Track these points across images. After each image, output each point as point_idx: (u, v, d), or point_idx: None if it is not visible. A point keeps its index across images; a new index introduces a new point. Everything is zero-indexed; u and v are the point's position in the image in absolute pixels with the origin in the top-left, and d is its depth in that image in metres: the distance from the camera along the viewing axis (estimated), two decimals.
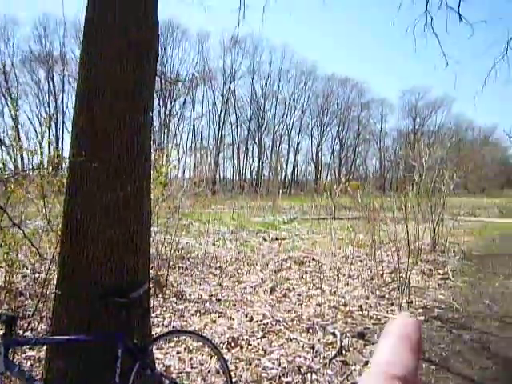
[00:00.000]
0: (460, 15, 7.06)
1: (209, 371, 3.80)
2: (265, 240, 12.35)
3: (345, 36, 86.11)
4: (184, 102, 53.80)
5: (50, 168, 5.54)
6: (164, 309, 5.60)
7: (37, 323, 4.64)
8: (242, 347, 4.42)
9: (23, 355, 3.82)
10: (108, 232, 2.77)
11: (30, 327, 4.51)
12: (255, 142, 58.65)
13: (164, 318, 5.22)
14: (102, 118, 2.84)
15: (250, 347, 4.43)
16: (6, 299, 4.88)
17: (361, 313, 5.65)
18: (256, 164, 58.26)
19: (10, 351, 2.18)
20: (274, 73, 58.46)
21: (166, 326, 5.00)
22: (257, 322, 5.14)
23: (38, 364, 3.82)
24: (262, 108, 58.65)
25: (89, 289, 2.73)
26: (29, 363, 3.78)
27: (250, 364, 4.03)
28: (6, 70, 42.60)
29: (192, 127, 55.10)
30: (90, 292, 2.72)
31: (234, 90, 56.84)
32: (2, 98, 41.39)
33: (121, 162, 2.83)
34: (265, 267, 8.40)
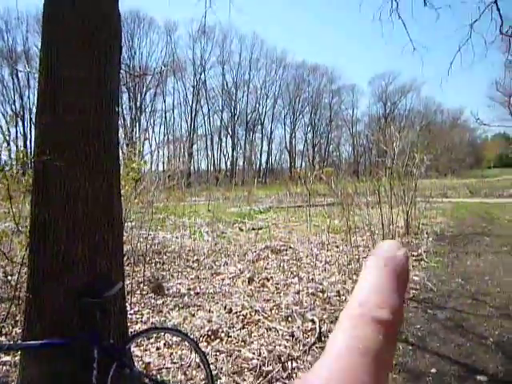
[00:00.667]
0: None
1: (189, 365, 3.79)
2: (241, 230, 12.34)
3: (313, 23, 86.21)
4: (154, 95, 53.08)
5: (17, 167, 5.40)
6: (142, 305, 5.55)
7: (11, 327, 4.53)
8: (221, 339, 4.42)
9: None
10: (78, 232, 2.71)
11: (3, 332, 4.41)
12: (228, 133, 58.39)
13: (142, 315, 5.18)
14: (65, 114, 2.76)
15: (229, 339, 4.44)
16: None
17: (338, 298, 5.71)
18: (230, 154, 58.08)
19: None
20: (245, 62, 58.20)
21: (145, 323, 4.96)
22: (236, 313, 5.14)
23: (14, 369, 3.74)
24: (233, 98, 58.37)
25: (61, 291, 2.67)
26: (4, 368, 3.69)
27: (231, 356, 4.03)
28: None
29: (164, 120, 54.47)
30: (62, 294, 2.67)
31: (205, 81, 56.36)
32: None
33: (88, 159, 2.76)
34: (242, 258, 8.40)
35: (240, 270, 7.40)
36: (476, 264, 7.69)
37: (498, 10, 7.69)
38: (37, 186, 2.83)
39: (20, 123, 45.17)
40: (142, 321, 4.99)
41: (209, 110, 56.75)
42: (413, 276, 6.91)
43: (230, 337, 4.48)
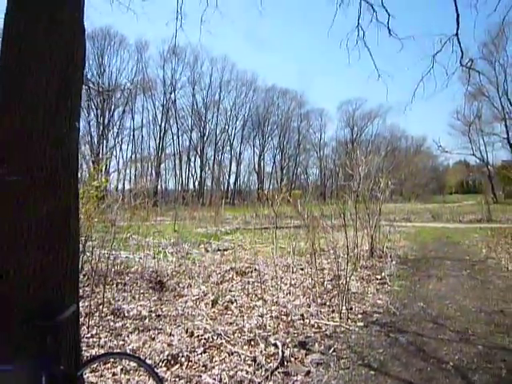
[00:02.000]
0: (389, 29, 7.38)
1: None
2: (207, 251, 12.21)
3: (284, 48, 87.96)
4: (123, 112, 52.65)
5: None
6: (100, 328, 5.34)
7: None
8: (181, 364, 4.29)
9: None
10: (30, 250, 2.58)
11: None
12: (197, 153, 58.32)
13: (100, 338, 4.98)
14: (22, 126, 2.65)
15: (190, 364, 4.31)
16: None
17: (302, 322, 5.67)
18: (198, 174, 57.93)
19: None
20: (215, 84, 58.75)
21: (102, 347, 4.76)
22: (197, 336, 5.01)
23: None
24: (203, 118, 58.55)
25: (8, 313, 2.52)
26: None
27: (190, 381, 3.92)
28: None
29: (132, 138, 53.96)
30: (10, 315, 2.51)
31: (175, 100, 56.41)
32: None
33: (43, 174, 2.65)
34: (207, 279, 8.27)
35: (204, 292, 7.27)
36: (438, 288, 7.81)
37: (459, 42, 8.04)
38: None
39: None
40: (99, 345, 4.79)
41: (178, 129, 56.71)
42: (376, 300, 6.95)
43: (191, 361, 4.36)
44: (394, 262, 10.39)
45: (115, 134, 51.91)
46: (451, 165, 73.30)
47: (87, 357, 4.01)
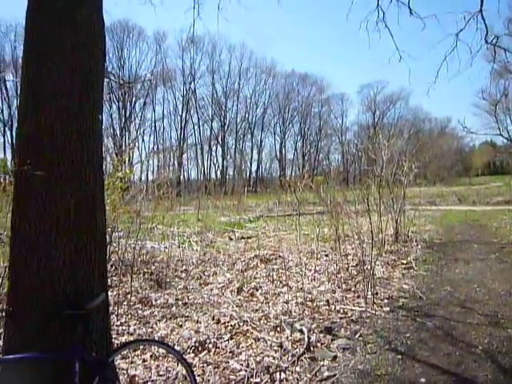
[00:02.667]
0: (410, 9, 7.20)
1: (175, 378, 3.72)
2: (231, 239, 12.29)
3: (302, 33, 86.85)
4: (144, 104, 53.10)
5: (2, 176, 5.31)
6: (129, 316, 5.46)
7: None
8: (209, 350, 4.36)
9: None
10: (59, 243, 2.64)
11: None
12: (218, 142, 58.47)
13: (129, 326, 5.09)
14: (47, 124, 2.70)
15: (217, 350, 4.37)
16: None
17: (328, 307, 5.68)
18: (220, 163, 58.13)
19: None
20: (234, 72, 58.58)
21: (131, 334, 4.87)
22: (224, 323, 5.08)
23: None
24: (223, 107, 58.54)
25: (41, 303, 2.60)
26: None
27: (218, 367, 3.97)
28: None
29: (153, 129, 54.44)
30: (42, 307, 2.59)
31: (195, 90, 56.55)
32: None
33: (69, 168, 2.71)
34: (231, 267, 8.35)
35: (229, 279, 7.34)
36: (465, 271, 7.70)
37: (483, 19, 7.78)
38: (18, 196, 2.76)
39: (8, 133, 44.83)
40: (128, 332, 4.90)
41: (199, 119, 56.89)
42: (402, 284, 6.90)
43: (218, 348, 4.42)
44: (419, 247, 10.29)
45: (137, 126, 52.48)
46: (477, 146, 71.60)
47: (117, 344, 4.11)
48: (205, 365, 4.03)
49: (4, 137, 44.74)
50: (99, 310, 2.80)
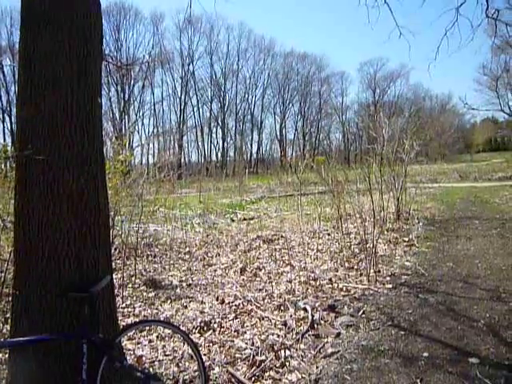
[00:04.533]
0: None
1: (182, 357, 3.78)
2: (233, 221, 12.33)
3: (300, 11, 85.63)
4: (143, 87, 52.72)
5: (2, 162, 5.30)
6: (134, 298, 5.52)
7: (1, 324, 4.48)
8: (214, 330, 4.41)
9: None
10: (63, 226, 2.66)
11: None
12: (218, 124, 58.19)
13: (134, 308, 5.15)
14: (46, 108, 2.70)
15: (222, 329, 4.43)
16: None
17: (331, 286, 5.72)
18: (221, 145, 57.95)
19: None
20: (233, 52, 57.99)
21: (137, 316, 4.93)
22: (228, 303, 5.13)
23: (4, 367, 3.71)
24: (222, 88, 58.08)
25: (47, 286, 2.63)
26: None
27: (223, 346, 4.03)
28: None
29: (153, 112, 54.13)
30: (48, 289, 2.63)
31: (194, 72, 56.04)
32: None
33: (70, 152, 2.71)
34: (234, 248, 8.39)
35: (232, 260, 7.39)
36: (467, 248, 7.74)
37: None
38: (19, 181, 2.77)
39: (7, 119, 44.67)
40: (134, 314, 4.96)
41: (198, 101, 56.53)
42: (404, 262, 6.94)
43: (223, 327, 4.47)
44: (421, 224, 10.31)
45: (136, 109, 52.18)
46: (479, 122, 71.19)
47: (123, 325, 4.17)
48: (210, 344, 4.09)
49: (3, 123, 44.61)
50: (105, 292, 2.84)
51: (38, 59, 2.76)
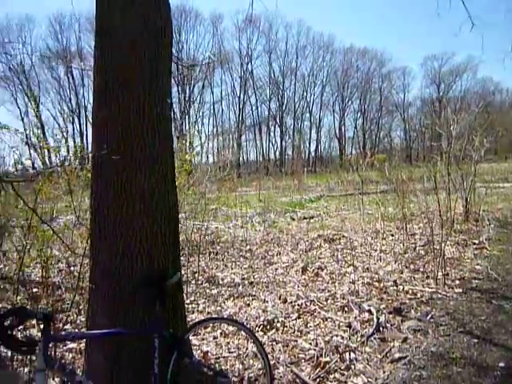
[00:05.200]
0: None
1: (246, 355, 3.80)
2: (293, 220, 12.29)
3: (360, 5, 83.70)
4: (202, 87, 53.73)
5: (76, 162, 5.58)
6: (198, 295, 5.64)
7: (75, 316, 4.73)
8: (277, 329, 4.41)
9: (65, 347, 3.90)
10: (135, 224, 2.76)
11: (69, 320, 4.60)
12: (276, 122, 58.24)
13: (198, 304, 5.26)
14: (120, 110, 2.80)
15: (285, 329, 4.41)
16: (44, 294, 5.00)
17: (395, 288, 5.55)
18: (279, 144, 57.95)
19: (49, 347, 2.20)
20: (291, 50, 57.67)
21: (201, 312, 5.03)
22: (291, 303, 5.11)
23: (79, 356, 3.91)
24: (281, 87, 58.04)
25: (121, 282, 2.74)
26: (71, 355, 3.86)
27: (287, 346, 4.01)
28: (25, 68, 43.27)
29: (212, 112, 55.10)
30: (122, 285, 2.73)
31: (252, 71, 56.40)
32: (26, 97, 41.97)
33: (142, 152, 2.80)
34: (295, 247, 8.36)
35: (293, 259, 7.36)
36: None
37: None
38: (95, 180, 2.90)
39: (76, 120, 47.11)
40: (198, 310, 5.07)
41: (256, 100, 56.83)
42: (474, 265, 6.61)
43: (286, 327, 4.46)
44: (491, 226, 9.76)
45: (196, 109, 53.33)
46: None
47: (188, 321, 4.26)
48: (274, 343, 4.08)
49: (73, 124, 47.08)
50: (174, 288, 2.91)
51: (112, 64, 2.87)
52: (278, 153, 57.78)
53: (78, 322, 4.62)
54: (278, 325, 4.50)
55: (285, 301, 5.20)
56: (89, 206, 3.01)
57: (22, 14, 44.28)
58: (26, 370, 3.68)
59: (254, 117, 57.03)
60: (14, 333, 2.11)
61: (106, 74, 2.90)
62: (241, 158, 50.57)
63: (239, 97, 55.90)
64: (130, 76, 2.85)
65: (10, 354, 3.30)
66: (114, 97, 2.84)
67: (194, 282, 6.20)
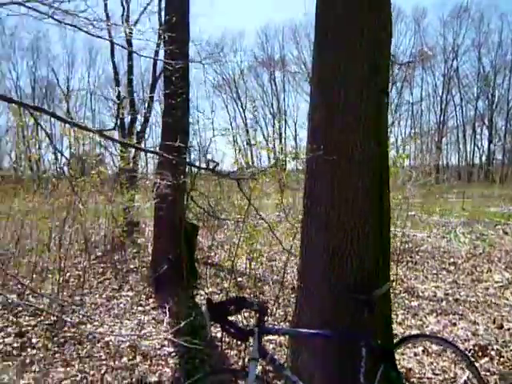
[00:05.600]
0: None
1: (454, 381, 3.42)
2: (506, 234, 10.83)
3: None
4: (401, 88, 51.59)
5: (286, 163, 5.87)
6: (396, 305, 5.34)
7: (275, 309, 4.94)
8: (492, 358, 3.86)
9: (265, 338, 4.09)
10: (347, 225, 2.68)
11: (269, 313, 4.84)
12: (484, 123, 52.39)
13: (397, 315, 4.97)
14: (337, 113, 2.76)
15: (501, 359, 3.84)
16: (249, 284, 5.37)
17: None
18: (486, 147, 52.04)
19: (262, 338, 2.27)
20: (506, 41, 51.01)
21: (400, 324, 4.75)
22: (508, 329, 4.45)
23: (279, 348, 4.06)
24: (491, 84, 51.96)
25: (329, 283, 2.70)
26: (271, 346, 4.04)
27: (505, 380, 3.47)
28: (235, 78, 47.94)
29: (410, 113, 52.50)
30: (330, 287, 2.69)
31: (457, 68, 51.78)
32: (234, 103, 46.54)
33: (358, 153, 2.71)
34: (509, 265, 7.31)
35: (508, 279, 6.45)
36: None
37: None
38: (309, 180, 2.93)
39: (276, 124, 50.25)
40: (396, 321, 4.79)
41: (461, 99, 51.93)
42: None
43: (503, 357, 3.87)
44: None
45: (393, 111, 51.53)
46: None
47: (400, 336, 4.03)
48: (487, 373, 3.58)
49: (273, 127, 50.39)
50: (383, 298, 2.76)
51: (330, 67, 2.84)
52: (484, 157, 51.99)
53: (277, 315, 4.83)
54: (493, 353, 3.94)
55: (500, 326, 4.54)
56: (302, 205, 3.06)
57: (235, 29, 49.19)
58: (233, 352, 4.01)
59: (457, 118, 52.34)
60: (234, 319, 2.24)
61: (324, 79, 2.90)
62: (440, 162, 47.04)
63: (441, 96, 51.96)
64: (346, 77, 2.78)
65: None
66: (330, 98, 2.81)
67: (391, 290, 5.90)
